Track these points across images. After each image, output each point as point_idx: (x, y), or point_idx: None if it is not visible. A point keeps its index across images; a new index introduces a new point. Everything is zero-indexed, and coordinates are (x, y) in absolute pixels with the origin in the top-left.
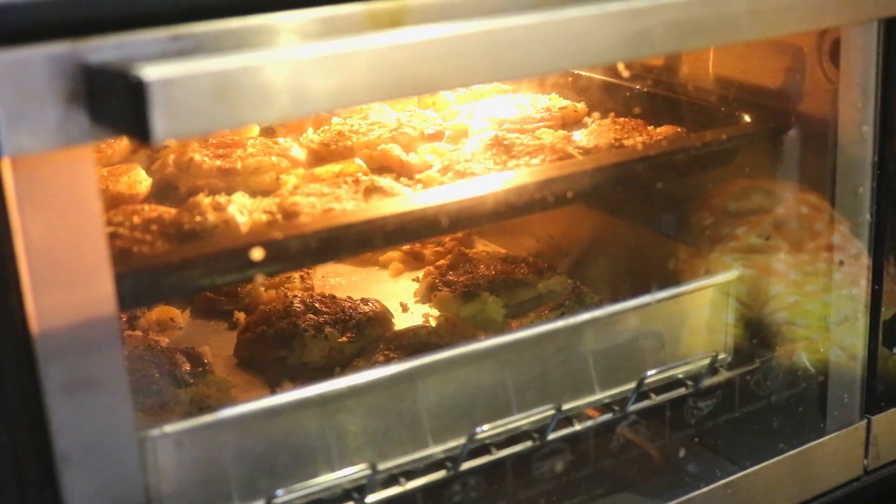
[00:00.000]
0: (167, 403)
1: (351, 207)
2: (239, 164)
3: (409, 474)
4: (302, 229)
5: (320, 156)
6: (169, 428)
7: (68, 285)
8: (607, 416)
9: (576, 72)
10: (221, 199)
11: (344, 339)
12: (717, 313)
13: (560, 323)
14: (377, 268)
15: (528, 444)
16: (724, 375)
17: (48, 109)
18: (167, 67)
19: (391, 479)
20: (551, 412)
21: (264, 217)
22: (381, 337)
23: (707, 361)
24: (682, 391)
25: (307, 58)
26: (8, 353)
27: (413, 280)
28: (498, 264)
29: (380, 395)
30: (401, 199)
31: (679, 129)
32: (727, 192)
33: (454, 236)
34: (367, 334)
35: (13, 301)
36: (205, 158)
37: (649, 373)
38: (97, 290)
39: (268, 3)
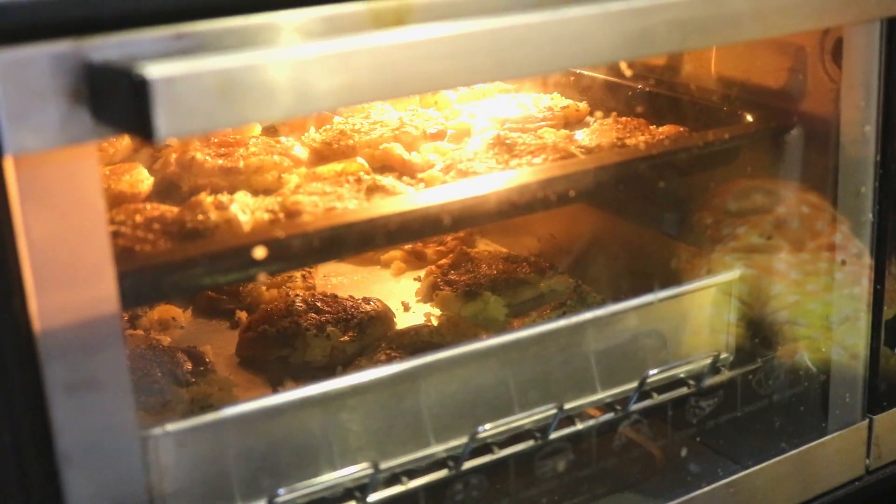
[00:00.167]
0: (169, 403)
1: (353, 206)
2: (241, 163)
3: (412, 473)
4: (304, 228)
5: (322, 155)
6: (171, 427)
7: (71, 284)
8: (609, 416)
9: (578, 71)
10: (223, 197)
11: (346, 338)
12: (719, 313)
13: (562, 322)
14: (379, 267)
15: (531, 443)
16: (725, 375)
17: (51, 108)
18: (170, 66)
19: (393, 479)
20: (553, 411)
21: (266, 216)
22: (383, 336)
23: (709, 361)
24: (683, 390)
25: (310, 56)
26: (10, 353)
27: (415, 279)
28: (500, 263)
29: (382, 395)
30: (403, 199)
31: (681, 129)
32: (729, 192)
33: (456, 236)
34: (369, 333)
35: (16, 300)
36: (207, 157)
37: (651, 372)
38: (99, 290)
39: (271, 1)
